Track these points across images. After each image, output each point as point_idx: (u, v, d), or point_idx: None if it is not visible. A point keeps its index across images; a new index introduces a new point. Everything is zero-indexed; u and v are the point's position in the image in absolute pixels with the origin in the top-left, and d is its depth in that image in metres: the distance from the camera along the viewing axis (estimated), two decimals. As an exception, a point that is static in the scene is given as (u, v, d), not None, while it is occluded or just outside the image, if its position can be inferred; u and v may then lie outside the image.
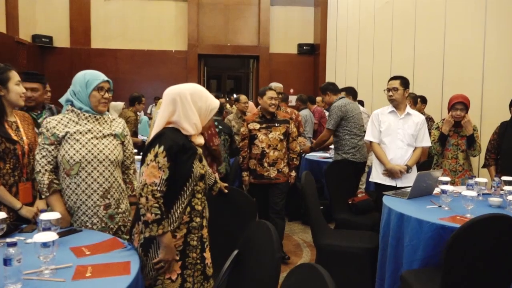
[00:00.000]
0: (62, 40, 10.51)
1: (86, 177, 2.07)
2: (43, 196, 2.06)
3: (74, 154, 2.04)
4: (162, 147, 1.74)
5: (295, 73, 10.83)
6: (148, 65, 10.59)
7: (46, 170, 2.03)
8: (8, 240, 1.84)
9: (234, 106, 9.27)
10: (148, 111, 10.07)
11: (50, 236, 1.50)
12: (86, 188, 2.07)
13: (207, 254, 1.94)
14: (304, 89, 9.80)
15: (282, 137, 3.73)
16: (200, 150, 1.94)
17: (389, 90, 3.40)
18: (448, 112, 3.51)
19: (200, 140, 1.93)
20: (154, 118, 5.22)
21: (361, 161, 4.27)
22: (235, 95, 8.99)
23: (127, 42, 10.62)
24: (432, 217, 2.38)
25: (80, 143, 2.06)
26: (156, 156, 1.74)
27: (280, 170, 3.71)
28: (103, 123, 2.18)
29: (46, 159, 2.04)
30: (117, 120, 2.29)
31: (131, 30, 10.68)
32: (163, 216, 1.72)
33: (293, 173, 3.84)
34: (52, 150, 2.05)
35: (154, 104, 9.72)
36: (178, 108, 1.84)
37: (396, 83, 3.38)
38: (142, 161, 1.80)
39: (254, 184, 3.75)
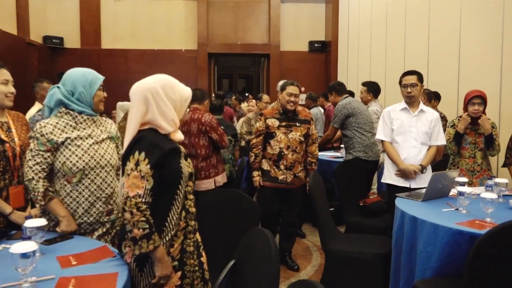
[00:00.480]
0: (72, 41, 10.50)
1: (89, 184, 1.98)
2: (37, 205, 1.93)
3: (77, 161, 1.94)
4: (142, 153, 1.57)
5: (306, 71, 10.65)
6: (157, 64, 10.51)
7: (40, 178, 1.90)
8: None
9: (244, 104, 9.19)
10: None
11: (30, 246, 1.39)
12: (89, 196, 1.98)
13: (204, 258, 1.81)
14: (315, 87, 9.61)
15: (302, 139, 3.44)
16: (182, 148, 1.78)
17: (406, 86, 3.21)
18: (464, 109, 3.33)
19: (180, 136, 1.77)
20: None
21: (374, 160, 4.11)
22: (247, 94, 8.89)
23: (137, 42, 10.56)
24: (448, 221, 2.21)
25: (82, 149, 1.96)
26: (137, 164, 1.56)
27: (296, 174, 3.44)
28: (99, 125, 2.09)
29: (40, 166, 1.91)
30: (108, 121, 2.18)
31: (140, 30, 10.63)
32: (152, 229, 1.55)
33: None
34: (48, 157, 1.92)
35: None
36: (151, 105, 1.65)
37: (414, 79, 3.20)
38: (122, 171, 1.62)
39: (266, 187, 3.45)
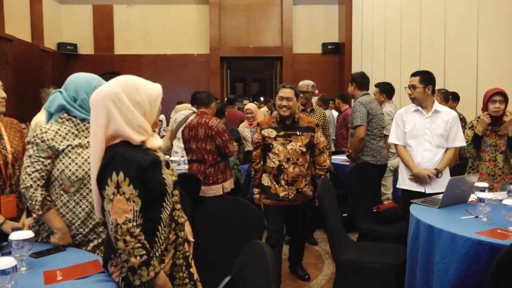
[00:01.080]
0: (86, 47, 10.58)
1: (87, 194, 1.89)
2: (34, 214, 1.83)
3: (77, 170, 1.85)
4: (121, 174, 1.39)
5: (320, 74, 10.48)
6: (170, 69, 10.51)
7: (38, 186, 1.80)
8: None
9: (263, 108, 9.12)
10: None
11: (8, 262, 1.29)
12: (87, 206, 1.89)
13: (194, 269, 1.66)
14: (329, 90, 9.45)
15: (304, 150, 3.03)
16: (162, 156, 1.61)
17: (408, 87, 3.07)
18: (484, 109, 3.14)
19: (157, 143, 1.58)
20: (171, 125, 5.02)
21: (382, 164, 3.95)
22: (262, 98, 8.80)
23: (149, 47, 10.58)
24: (467, 230, 2.04)
25: (82, 158, 1.87)
26: (118, 187, 1.39)
27: (300, 190, 3.05)
28: None
29: (39, 173, 1.81)
30: None
31: (153, 35, 10.65)
32: (150, 254, 1.41)
33: None
34: (48, 164, 1.82)
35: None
36: (114, 115, 1.44)
37: (415, 80, 3.03)
38: (102, 196, 1.45)
39: (267, 205, 3.13)
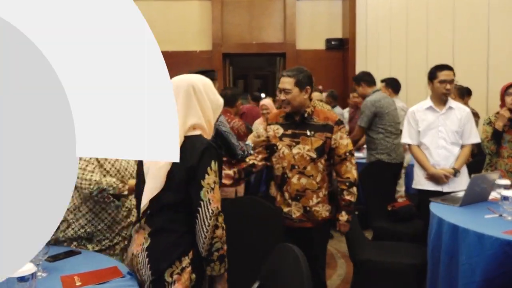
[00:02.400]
0: (87, 44, 10.52)
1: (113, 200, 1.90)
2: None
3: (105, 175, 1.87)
4: (216, 163, 1.44)
5: (324, 70, 10.39)
6: (173, 66, 10.13)
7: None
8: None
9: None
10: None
11: (27, 268, 1.23)
12: (112, 211, 1.91)
13: None
14: (333, 86, 9.35)
15: (314, 156, 2.31)
16: None
17: (444, 81, 2.90)
18: (502, 105, 3.07)
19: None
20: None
21: (398, 162, 3.87)
22: (263, 95, 8.69)
23: (152, 44, 10.52)
24: (494, 230, 1.97)
25: (109, 163, 1.88)
26: (216, 175, 1.44)
27: (308, 209, 2.33)
28: None
29: (90, 163, 1.83)
30: None
31: (155, 32, 10.04)
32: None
33: (344, 217, 2.34)
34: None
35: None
36: (194, 104, 1.47)
37: (452, 74, 2.96)
38: (198, 187, 1.41)
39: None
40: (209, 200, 1.40)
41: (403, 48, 7.06)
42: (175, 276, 1.41)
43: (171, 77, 1.60)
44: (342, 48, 10.43)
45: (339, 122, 2.39)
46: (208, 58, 10.60)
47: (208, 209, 1.39)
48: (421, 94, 5.05)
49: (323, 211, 2.37)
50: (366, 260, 2.53)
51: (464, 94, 4.41)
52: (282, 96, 2.37)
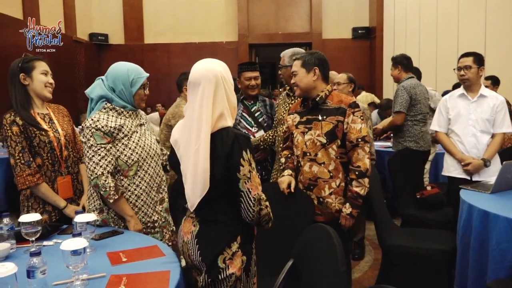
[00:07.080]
0: (116, 37, 10.72)
1: (144, 175, 1.96)
2: (110, 200, 1.84)
3: (132, 154, 1.92)
4: (248, 151, 1.47)
5: (350, 59, 10.29)
6: (199, 57, 9.95)
7: (108, 172, 1.85)
8: (45, 243, 1.73)
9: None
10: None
11: (80, 243, 1.33)
12: (146, 187, 1.96)
13: None
14: (359, 76, 9.20)
15: (324, 140, 2.17)
16: None
17: (460, 69, 2.97)
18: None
19: None
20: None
21: (426, 150, 3.85)
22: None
23: (178, 35, 10.62)
24: (525, 216, 1.98)
25: (134, 142, 1.93)
26: (250, 164, 1.46)
27: (321, 200, 2.20)
28: (140, 118, 2.06)
29: (105, 160, 1.85)
30: (141, 112, 2.13)
31: (181, 23, 10.68)
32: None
33: (347, 209, 2.14)
34: (110, 148, 1.87)
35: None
36: (222, 92, 1.48)
37: (469, 61, 2.94)
38: (235, 178, 1.46)
39: None
40: (248, 190, 1.45)
41: (433, 35, 6.92)
42: (227, 261, 1.49)
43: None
44: (369, 36, 10.30)
45: (354, 105, 2.19)
46: (234, 49, 10.66)
47: (249, 198, 1.45)
48: (452, 84, 4.96)
49: (336, 203, 2.18)
50: (396, 246, 2.56)
51: (496, 82, 4.32)
52: (293, 80, 2.32)
